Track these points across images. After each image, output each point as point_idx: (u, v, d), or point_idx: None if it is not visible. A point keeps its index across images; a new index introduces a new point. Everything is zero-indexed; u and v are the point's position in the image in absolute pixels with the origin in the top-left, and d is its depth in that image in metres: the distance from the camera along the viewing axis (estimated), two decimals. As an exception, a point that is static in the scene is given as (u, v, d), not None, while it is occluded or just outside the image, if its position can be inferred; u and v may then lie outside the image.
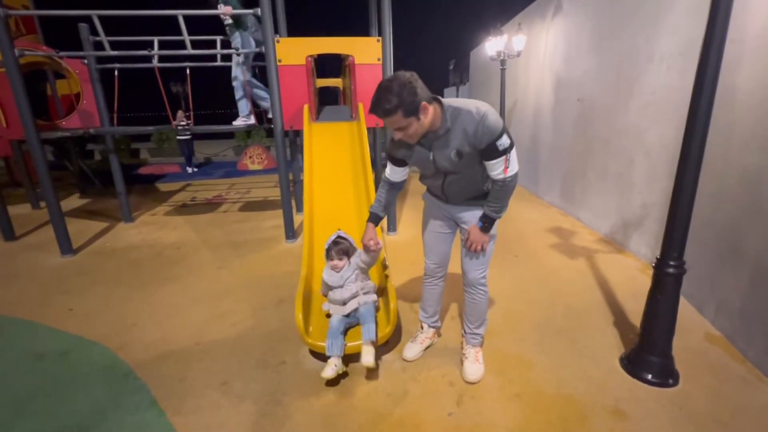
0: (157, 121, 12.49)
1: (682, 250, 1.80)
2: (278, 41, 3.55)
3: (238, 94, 4.26)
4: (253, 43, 4.08)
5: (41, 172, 3.74)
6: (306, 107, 3.53)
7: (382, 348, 2.17)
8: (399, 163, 1.82)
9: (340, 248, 2.12)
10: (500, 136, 1.52)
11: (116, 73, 4.64)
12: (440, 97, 1.59)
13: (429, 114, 1.52)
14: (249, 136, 12.02)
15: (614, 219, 3.78)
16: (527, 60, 5.99)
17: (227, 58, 4.53)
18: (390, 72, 3.74)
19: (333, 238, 2.16)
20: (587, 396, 1.83)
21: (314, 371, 2.02)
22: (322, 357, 2.05)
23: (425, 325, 2.20)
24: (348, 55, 3.79)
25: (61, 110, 6.01)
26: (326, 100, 6.09)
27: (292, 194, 4.59)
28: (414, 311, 2.54)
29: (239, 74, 4.21)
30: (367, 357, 1.86)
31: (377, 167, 4.53)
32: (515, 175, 1.62)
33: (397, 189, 1.95)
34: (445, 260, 2.04)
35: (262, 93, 4.36)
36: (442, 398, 1.83)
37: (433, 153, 1.66)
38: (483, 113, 1.51)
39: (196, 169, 9.43)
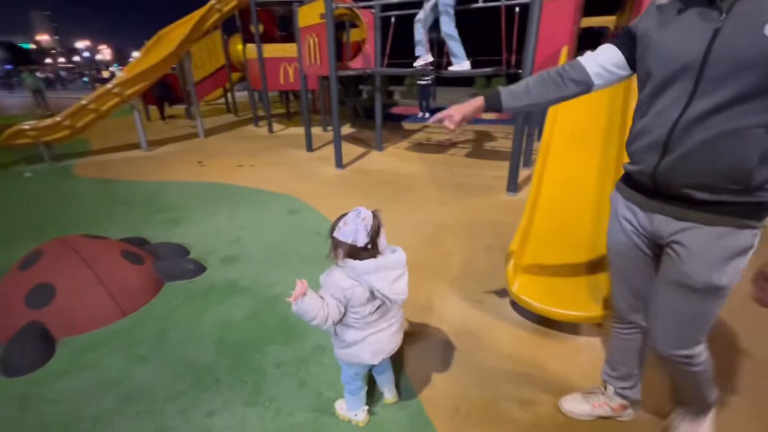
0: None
1: None
2: (550, -28, 3.19)
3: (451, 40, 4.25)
4: None
5: (333, 103, 4.94)
6: (565, 50, 3.15)
7: (592, 328, 1.95)
8: (629, 41, 1.05)
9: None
10: None
11: (393, 20, 5.37)
12: None
13: None
14: (489, 84, 11.92)
15: None
16: None
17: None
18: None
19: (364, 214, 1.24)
20: None
21: (509, 319, 2.06)
22: (521, 310, 2.05)
23: (610, 388, 1.45)
24: (637, -18, 3.04)
25: (349, 55, 7.57)
26: (584, 45, 5.21)
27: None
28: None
29: (448, 28, 4.16)
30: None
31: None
32: None
33: (567, 91, 1.16)
34: (643, 297, 1.23)
35: (458, 48, 4.23)
36: None
37: (724, 22, 0.85)
38: None
39: (428, 114, 10.16)
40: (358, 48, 7.43)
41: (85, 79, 31.94)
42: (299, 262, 2.71)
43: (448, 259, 2.73)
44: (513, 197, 3.91)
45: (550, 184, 2.61)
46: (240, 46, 8.69)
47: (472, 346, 1.88)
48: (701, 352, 1.13)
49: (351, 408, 1.48)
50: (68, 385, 1.71)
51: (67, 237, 2.32)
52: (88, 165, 5.68)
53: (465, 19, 4.47)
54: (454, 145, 6.52)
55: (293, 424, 1.50)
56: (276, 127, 8.51)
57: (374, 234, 1.20)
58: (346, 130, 8.20)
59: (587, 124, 2.78)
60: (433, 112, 10.69)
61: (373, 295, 1.22)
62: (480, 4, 4.44)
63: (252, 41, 7.59)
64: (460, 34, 4.24)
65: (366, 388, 1.48)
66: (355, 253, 1.20)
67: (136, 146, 6.60)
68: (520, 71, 3.69)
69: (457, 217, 3.44)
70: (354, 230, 1.18)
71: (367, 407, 1.49)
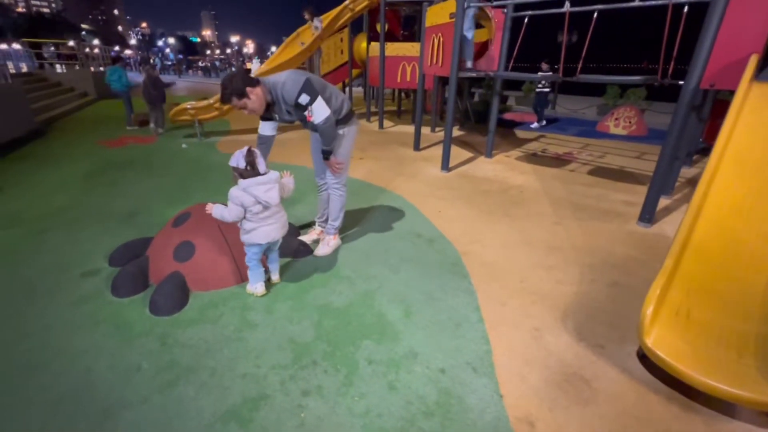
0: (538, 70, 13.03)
1: None
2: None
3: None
4: None
5: (449, 105, 4.83)
6: (754, 59, 2.53)
7: (753, 413, 1.53)
8: None
9: None
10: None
11: (526, 20, 5.02)
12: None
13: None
14: (622, 96, 10.49)
15: None
16: None
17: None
18: None
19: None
20: None
21: (636, 375, 1.73)
22: (653, 368, 1.71)
23: (317, 227, 2.99)
24: None
25: (471, 56, 7.34)
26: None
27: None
28: None
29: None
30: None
31: None
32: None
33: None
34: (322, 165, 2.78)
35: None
36: None
37: None
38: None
39: (543, 124, 9.23)
40: (480, 49, 7.17)
41: (233, 68, 37.25)
42: (399, 261, 2.70)
43: (561, 287, 2.44)
44: (646, 229, 3.33)
45: (711, 222, 2.13)
46: (364, 44, 9.12)
47: (587, 397, 1.63)
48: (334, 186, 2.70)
49: (253, 282, 2.27)
50: (195, 334, 1.96)
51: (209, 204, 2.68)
52: (228, 142, 6.57)
53: (613, 22, 3.94)
54: (575, 159, 5.88)
55: (380, 427, 1.47)
56: (386, 123, 8.75)
57: (250, 159, 2.02)
58: (454, 132, 8.03)
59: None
60: (549, 121, 9.86)
61: (257, 200, 2.03)
62: (636, 3, 3.87)
63: (376, 39, 7.90)
64: (610, 37, 3.77)
65: (262, 268, 2.28)
66: (244, 174, 2.04)
67: (265, 130, 7.41)
68: (681, 82, 3.11)
69: (575, 242, 3.06)
70: (237, 158, 2.04)
71: (263, 282, 2.28)
